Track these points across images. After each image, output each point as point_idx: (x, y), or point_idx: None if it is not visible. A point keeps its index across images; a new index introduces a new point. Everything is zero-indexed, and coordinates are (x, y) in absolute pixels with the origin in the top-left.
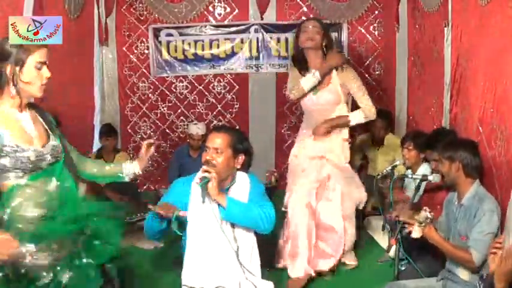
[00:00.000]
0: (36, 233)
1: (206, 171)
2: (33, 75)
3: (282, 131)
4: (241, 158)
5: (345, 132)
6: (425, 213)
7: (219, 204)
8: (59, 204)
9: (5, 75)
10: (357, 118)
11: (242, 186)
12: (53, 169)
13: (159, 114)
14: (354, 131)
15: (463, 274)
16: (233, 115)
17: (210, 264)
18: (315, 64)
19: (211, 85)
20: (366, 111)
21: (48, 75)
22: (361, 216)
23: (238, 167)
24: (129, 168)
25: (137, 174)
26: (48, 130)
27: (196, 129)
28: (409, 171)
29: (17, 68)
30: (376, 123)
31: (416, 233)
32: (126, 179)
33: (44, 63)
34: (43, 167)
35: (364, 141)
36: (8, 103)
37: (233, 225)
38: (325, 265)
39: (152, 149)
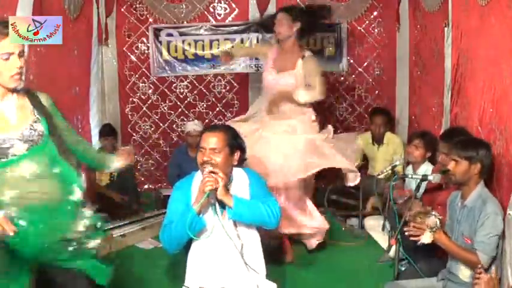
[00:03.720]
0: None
1: (212, 172)
2: None
3: None
4: (237, 154)
5: (310, 114)
6: (434, 218)
7: (223, 205)
8: (39, 190)
9: None
10: (302, 94)
11: (241, 182)
12: (29, 154)
13: (159, 114)
14: (353, 130)
15: (464, 275)
16: (233, 114)
17: (213, 265)
18: (285, 48)
19: (212, 85)
20: (312, 91)
21: (18, 65)
22: (361, 216)
23: (235, 163)
24: (116, 164)
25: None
26: (36, 114)
27: (194, 125)
28: (410, 168)
29: None
30: (376, 120)
31: (427, 239)
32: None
33: (12, 53)
34: (14, 152)
35: (364, 140)
36: None
37: (235, 223)
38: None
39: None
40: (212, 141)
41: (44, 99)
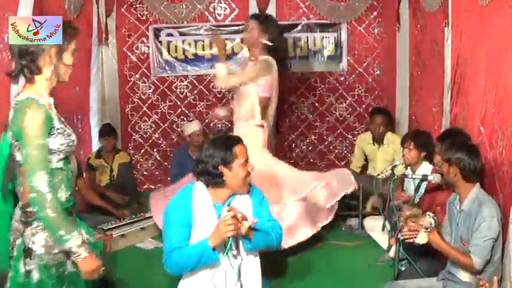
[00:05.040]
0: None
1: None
2: (70, 60)
3: (282, 129)
4: None
5: (257, 118)
6: (429, 218)
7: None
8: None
9: (48, 57)
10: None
11: (244, 200)
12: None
13: (159, 114)
14: (353, 129)
15: (464, 276)
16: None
17: (207, 279)
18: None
19: (212, 85)
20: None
21: (74, 62)
22: (361, 216)
23: None
24: None
25: None
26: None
27: (196, 125)
28: (409, 170)
29: (62, 50)
30: (376, 119)
31: (422, 239)
32: None
33: (77, 50)
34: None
35: (364, 140)
36: (42, 86)
37: (237, 241)
38: None
39: None
40: (246, 152)
41: None
